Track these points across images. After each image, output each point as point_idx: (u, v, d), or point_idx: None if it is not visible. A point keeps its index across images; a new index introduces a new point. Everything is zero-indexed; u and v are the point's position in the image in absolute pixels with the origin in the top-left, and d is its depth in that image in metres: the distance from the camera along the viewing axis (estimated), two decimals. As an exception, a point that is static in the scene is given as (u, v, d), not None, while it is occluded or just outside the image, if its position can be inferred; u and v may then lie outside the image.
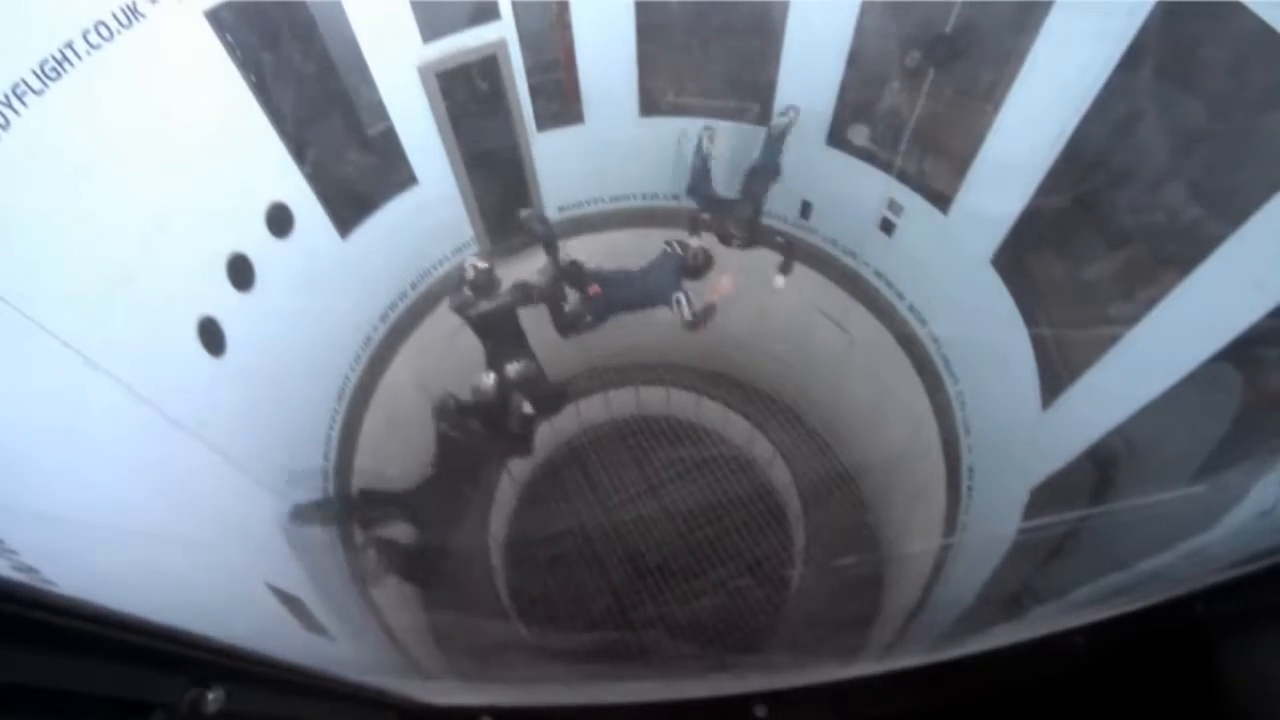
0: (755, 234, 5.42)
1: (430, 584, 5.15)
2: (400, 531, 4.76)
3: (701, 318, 4.41)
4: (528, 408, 4.55)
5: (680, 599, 6.37)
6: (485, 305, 4.59)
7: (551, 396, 4.98)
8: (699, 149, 5.20)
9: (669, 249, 4.70)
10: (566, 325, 4.82)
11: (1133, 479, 3.39)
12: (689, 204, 5.60)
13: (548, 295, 4.76)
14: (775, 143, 4.97)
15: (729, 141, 5.26)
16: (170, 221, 3.13)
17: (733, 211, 5.41)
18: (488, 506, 6.53)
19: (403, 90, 4.45)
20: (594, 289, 4.64)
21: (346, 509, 4.51)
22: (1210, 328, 2.87)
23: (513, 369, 4.54)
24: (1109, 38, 3.14)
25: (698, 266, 4.55)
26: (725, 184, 5.42)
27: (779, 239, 4.67)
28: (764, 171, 5.13)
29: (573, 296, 4.77)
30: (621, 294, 4.68)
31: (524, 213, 4.97)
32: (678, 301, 4.44)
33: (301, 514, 3.96)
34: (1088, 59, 3.25)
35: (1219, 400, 2.93)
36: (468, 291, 4.57)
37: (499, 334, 4.76)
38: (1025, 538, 3.79)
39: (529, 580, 6.58)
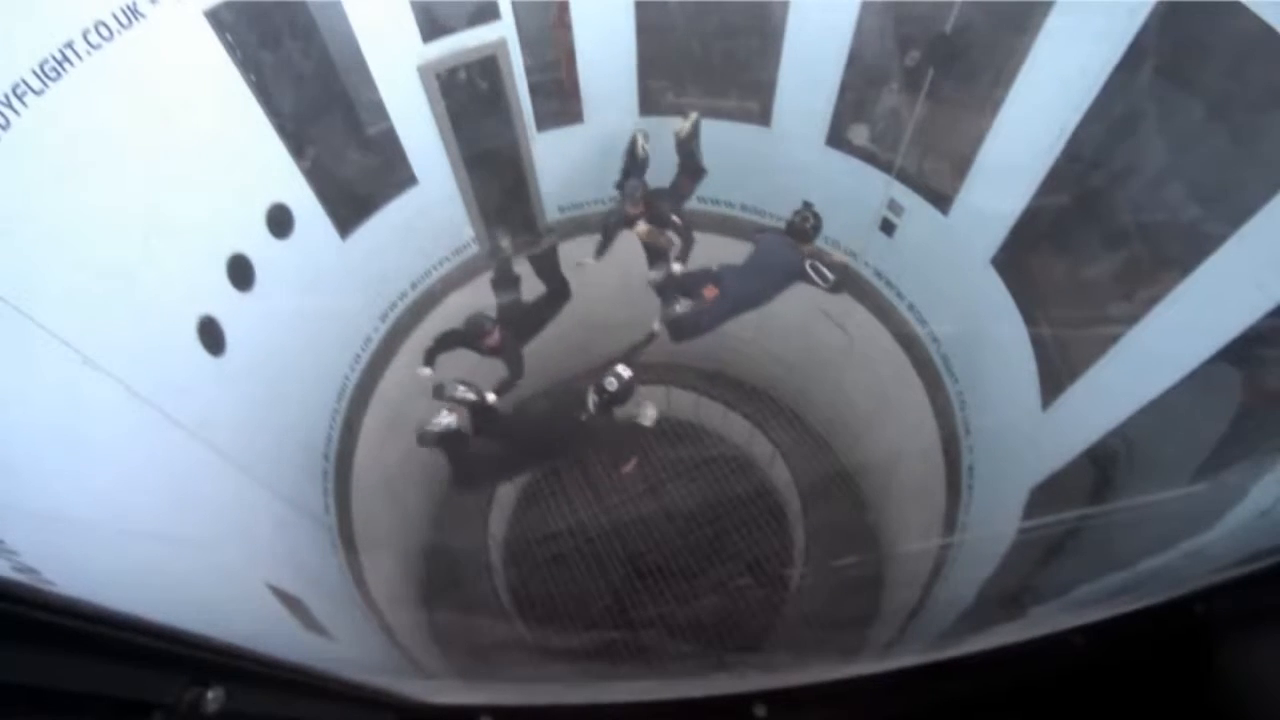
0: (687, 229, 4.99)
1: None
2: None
3: (841, 274, 4.13)
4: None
5: (680, 599, 6.37)
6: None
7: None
8: (631, 150, 4.93)
9: (763, 231, 4.45)
10: (683, 332, 4.56)
11: (1133, 479, 3.39)
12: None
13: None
14: (685, 145, 4.78)
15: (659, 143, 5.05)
16: (170, 221, 3.13)
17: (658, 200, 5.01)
18: (488, 506, 6.53)
19: (403, 90, 4.45)
20: (710, 291, 4.30)
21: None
22: (1210, 328, 2.87)
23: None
24: (1109, 38, 3.14)
25: (807, 229, 4.27)
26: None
27: (675, 220, 4.55)
28: (688, 172, 4.94)
29: (684, 303, 4.48)
30: (747, 286, 4.35)
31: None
32: (813, 268, 4.19)
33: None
34: (1088, 59, 3.25)
35: (1219, 400, 2.93)
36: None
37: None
38: (1025, 537, 3.79)
39: (529, 580, 6.59)
